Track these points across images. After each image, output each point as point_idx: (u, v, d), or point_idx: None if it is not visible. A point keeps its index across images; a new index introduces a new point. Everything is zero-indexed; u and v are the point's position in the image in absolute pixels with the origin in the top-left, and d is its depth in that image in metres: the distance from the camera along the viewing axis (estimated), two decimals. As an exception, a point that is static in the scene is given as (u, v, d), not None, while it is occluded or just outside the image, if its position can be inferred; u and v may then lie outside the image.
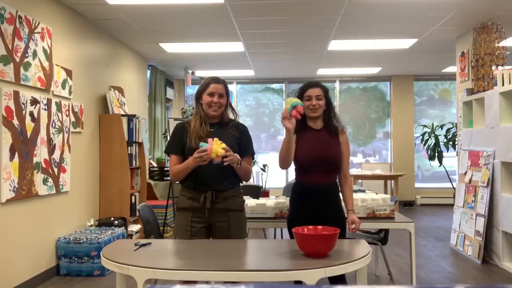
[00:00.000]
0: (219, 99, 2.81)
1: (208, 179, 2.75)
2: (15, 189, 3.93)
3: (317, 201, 2.85)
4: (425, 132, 8.88)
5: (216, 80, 2.85)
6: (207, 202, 2.72)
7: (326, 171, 2.88)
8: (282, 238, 5.49)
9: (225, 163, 2.63)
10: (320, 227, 2.46)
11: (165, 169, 7.27)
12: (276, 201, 3.69)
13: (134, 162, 6.03)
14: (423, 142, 8.83)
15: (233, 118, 2.95)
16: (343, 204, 2.99)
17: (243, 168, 2.78)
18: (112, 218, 5.43)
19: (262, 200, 3.74)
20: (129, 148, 5.81)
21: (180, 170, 2.78)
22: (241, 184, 2.94)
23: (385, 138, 10.27)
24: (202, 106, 2.85)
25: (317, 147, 2.87)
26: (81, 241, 4.61)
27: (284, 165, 2.83)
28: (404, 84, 10.01)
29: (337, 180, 2.99)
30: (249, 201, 3.63)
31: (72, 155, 4.96)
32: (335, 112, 3.01)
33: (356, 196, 3.70)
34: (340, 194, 2.99)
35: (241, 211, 2.86)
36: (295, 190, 2.96)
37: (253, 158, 2.97)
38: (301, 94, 2.95)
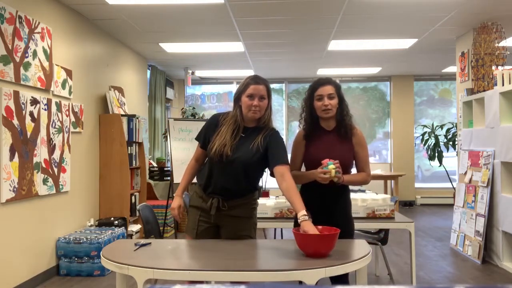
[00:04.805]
0: (259, 102, 2.58)
1: (218, 186, 2.66)
2: (15, 189, 3.93)
3: (324, 202, 2.76)
4: (425, 132, 8.88)
5: (256, 80, 2.61)
6: (212, 209, 2.66)
7: None
8: (282, 238, 5.49)
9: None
10: (320, 227, 2.45)
11: (165, 169, 7.28)
12: (276, 201, 3.70)
13: (134, 162, 6.03)
14: (423, 142, 8.83)
15: (270, 125, 2.69)
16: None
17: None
18: (112, 218, 5.43)
19: (262, 200, 3.73)
20: (129, 148, 5.81)
21: (183, 174, 2.81)
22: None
23: (385, 138, 10.27)
24: (241, 108, 2.64)
25: (325, 149, 2.74)
26: (81, 241, 4.61)
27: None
28: (404, 84, 10.01)
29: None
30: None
31: (72, 155, 4.96)
32: (348, 110, 2.78)
33: (356, 196, 3.70)
34: (351, 198, 2.89)
35: (248, 218, 2.74)
36: (304, 191, 2.86)
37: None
38: (311, 93, 2.76)
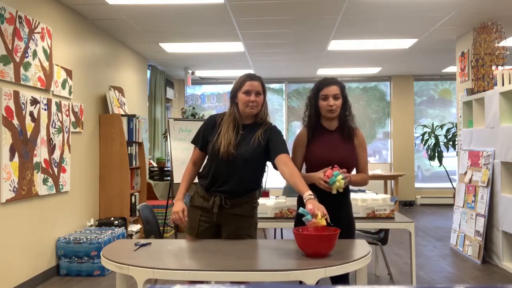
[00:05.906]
0: (256, 98, 2.64)
1: (221, 184, 2.67)
2: (15, 189, 3.93)
3: (325, 203, 2.67)
4: (425, 132, 8.88)
5: (251, 77, 2.67)
6: (215, 207, 2.67)
7: None
8: (282, 238, 5.50)
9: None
10: (321, 226, 2.44)
11: (165, 169, 7.28)
12: (276, 201, 3.70)
13: (134, 162, 6.03)
14: (423, 142, 8.83)
15: (268, 121, 2.75)
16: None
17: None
18: (112, 218, 5.43)
19: (262, 200, 3.73)
20: (129, 148, 5.81)
21: (182, 179, 2.80)
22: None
23: (385, 138, 10.27)
24: (238, 106, 2.68)
25: (328, 150, 2.74)
26: (81, 241, 4.61)
27: None
28: (404, 84, 10.02)
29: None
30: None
31: (72, 155, 4.96)
32: (350, 111, 2.81)
33: (356, 196, 3.70)
34: (351, 198, 2.87)
35: (250, 217, 2.75)
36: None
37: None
38: (316, 93, 2.76)
